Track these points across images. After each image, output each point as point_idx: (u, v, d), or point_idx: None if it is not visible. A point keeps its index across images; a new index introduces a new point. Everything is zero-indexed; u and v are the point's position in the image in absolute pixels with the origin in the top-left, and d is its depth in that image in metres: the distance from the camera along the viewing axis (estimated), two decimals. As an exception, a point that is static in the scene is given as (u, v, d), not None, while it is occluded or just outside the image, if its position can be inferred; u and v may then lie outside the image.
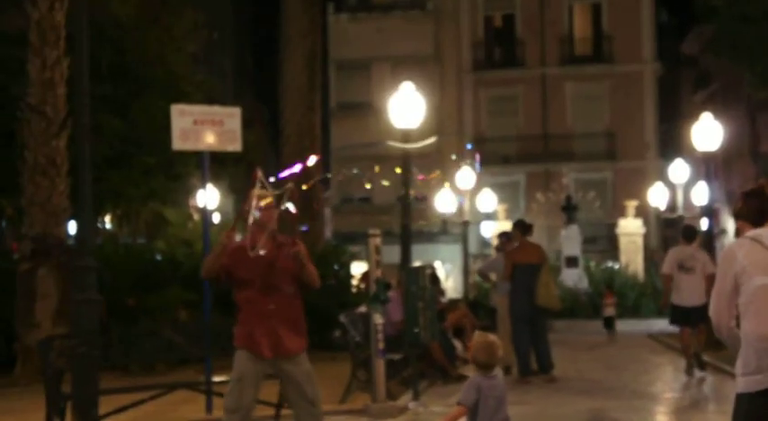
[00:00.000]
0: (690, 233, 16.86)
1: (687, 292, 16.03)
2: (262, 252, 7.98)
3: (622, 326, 30.19)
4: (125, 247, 23.42)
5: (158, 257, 22.37)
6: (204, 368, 12.90)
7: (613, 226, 44.64)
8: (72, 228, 20.68)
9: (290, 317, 8.12)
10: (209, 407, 12.60)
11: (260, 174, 8.08)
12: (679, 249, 16.57)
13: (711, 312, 5.53)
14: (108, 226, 30.80)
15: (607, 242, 47.06)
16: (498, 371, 6.56)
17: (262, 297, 8.05)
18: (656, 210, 45.18)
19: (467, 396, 6.39)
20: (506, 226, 31.29)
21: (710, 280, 15.53)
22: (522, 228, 16.67)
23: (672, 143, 54.83)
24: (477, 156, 9.63)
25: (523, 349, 15.88)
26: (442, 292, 21.70)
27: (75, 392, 11.58)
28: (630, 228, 42.48)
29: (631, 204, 42.92)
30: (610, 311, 26.79)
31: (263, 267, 8.02)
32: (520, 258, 16.01)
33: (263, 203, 8.12)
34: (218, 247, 8.13)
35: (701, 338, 16.57)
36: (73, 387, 11.68)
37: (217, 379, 12.77)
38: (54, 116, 18.14)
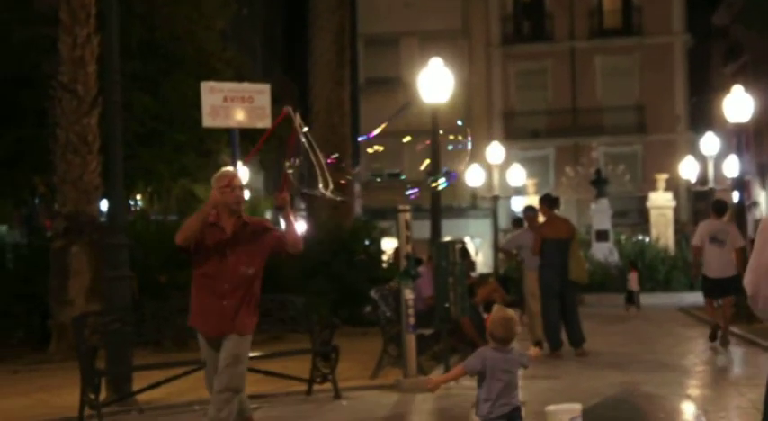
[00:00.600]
0: (720, 207, 17.03)
1: (718, 265, 16.33)
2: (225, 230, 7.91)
3: (653, 299, 30.16)
4: (156, 224, 23.53)
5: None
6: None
7: (644, 199, 44.51)
8: (104, 205, 20.81)
9: (243, 298, 7.93)
10: (241, 383, 12.67)
11: (291, 111, 7.94)
12: (710, 222, 16.76)
13: (747, 283, 5.47)
14: (139, 203, 30.95)
15: (637, 216, 46.97)
16: (515, 346, 6.56)
17: (218, 275, 7.88)
18: (687, 183, 44.99)
19: (470, 363, 6.41)
20: (536, 200, 31.26)
21: (739, 253, 16.01)
22: (548, 202, 16.62)
23: (702, 116, 54.53)
24: (470, 136, 9.57)
25: (553, 323, 15.89)
26: (472, 267, 21.72)
27: (109, 368, 11.71)
28: (661, 201, 42.35)
29: (662, 178, 42.77)
30: (633, 285, 26.81)
31: (223, 245, 7.88)
32: (548, 233, 15.97)
33: (233, 183, 7.96)
34: (207, 207, 7.91)
35: (727, 312, 16.77)
36: (107, 363, 11.81)
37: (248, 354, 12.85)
38: (85, 94, 18.22)
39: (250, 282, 7.99)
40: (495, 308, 6.76)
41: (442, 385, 6.73)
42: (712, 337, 16.69)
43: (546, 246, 15.90)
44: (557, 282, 15.83)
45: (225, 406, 7.83)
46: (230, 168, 8.31)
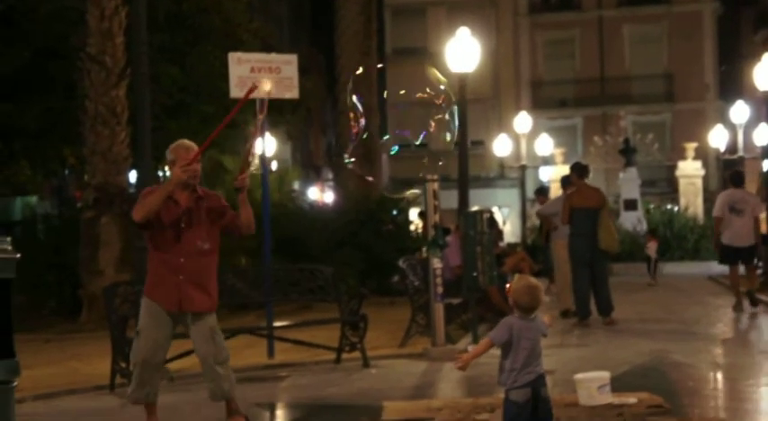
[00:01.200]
0: (738, 178, 17.68)
1: (737, 233, 16.85)
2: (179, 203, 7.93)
3: (682, 268, 30.08)
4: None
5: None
6: (265, 313, 13.08)
7: (672, 168, 44.29)
8: (133, 176, 20.93)
9: (200, 273, 7.93)
10: (270, 352, 12.78)
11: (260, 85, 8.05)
12: (730, 192, 17.27)
13: None
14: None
15: (666, 184, 46.78)
16: (538, 315, 6.55)
17: (173, 249, 7.85)
18: (716, 151, 44.72)
19: (497, 333, 6.39)
20: (564, 170, 31.20)
21: (756, 222, 16.57)
22: (578, 171, 16.59)
23: (732, 84, 54.13)
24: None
25: (583, 292, 15.88)
26: (500, 236, 21.73)
27: (139, 337, 11.79)
28: (689, 170, 42.09)
29: (690, 146, 42.49)
30: (651, 253, 26.71)
31: (178, 219, 7.87)
32: (578, 202, 15.93)
33: (189, 156, 7.99)
34: (170, 186, 7.95)
35: (752, 278, 17.62)
36: (137, 332, 11.89)
37: (278, 323, 12.94)
38: (113, 66, 18.31)
39: (206, 255, 7.97)
40: (518, 276, 6.74)
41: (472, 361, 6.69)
42: (738, 308, 16.99)
43: (575, 214, 15.88)
44: (586, 251, 15.81)
45: (229, 377, 7.96)
46: (186, 140, 8.27)
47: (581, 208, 15.86)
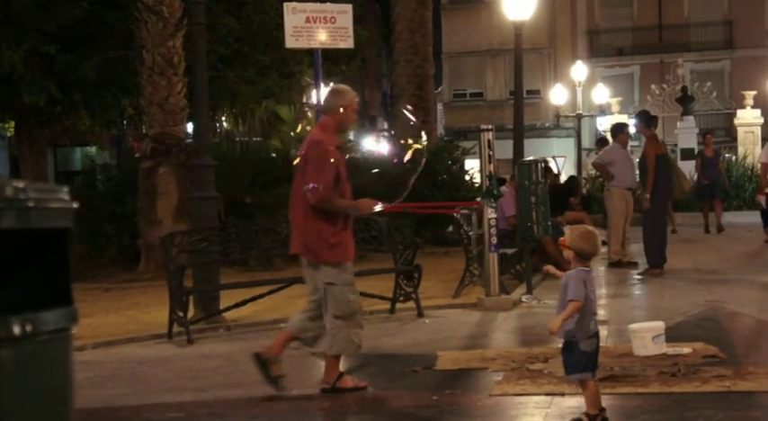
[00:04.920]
0: None
1: None
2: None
3: (739, 218, 29.81)
4: (241, 145, 23.76)
5: (273, 155, 22.66)
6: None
7: (731, 116, 43.81)
8: (190, 127, 21.06)
9: None
10: (325, 301, 12.86)
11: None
12: None
13: None
14: (224, 124, 31.17)
15: (724, 133, 46.27)
16: (591, 266, 6.56)
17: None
18: (777, 99, 44.12)
19: (578, 291, 6.37)
20: (620, 119, 31.00)
21: None
22: (646, 120, 16.53)
23: (793, 30, 53.28)
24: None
25: (662, 240, 15.75)
26: (578, 188, 21.63)
27: (196, 287, 11.94)
28: (748, 118, 41.55)
29: (750, 94, 41.92)
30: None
31: (343, 168, 7.74)
32: (659, 149, 15.84)
33: (349, 101, 7.78)
34: (356, 209, 7.88)
35: None
36: (194, 282, 12.04)
37: (333, 273, 13.02)
38: (170, 16, 18.36)
39: None
40: (571, 228, 6.70)
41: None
42: None
43: (658, 162, 15.72)
44: (667, 198, 15.78)
45: (335, 336, 8.11)
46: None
47: (662, 155, 15.81)
